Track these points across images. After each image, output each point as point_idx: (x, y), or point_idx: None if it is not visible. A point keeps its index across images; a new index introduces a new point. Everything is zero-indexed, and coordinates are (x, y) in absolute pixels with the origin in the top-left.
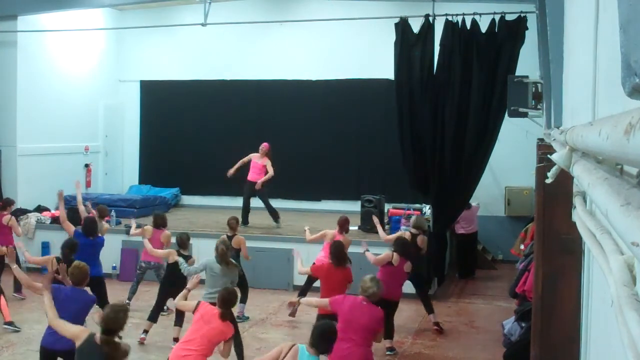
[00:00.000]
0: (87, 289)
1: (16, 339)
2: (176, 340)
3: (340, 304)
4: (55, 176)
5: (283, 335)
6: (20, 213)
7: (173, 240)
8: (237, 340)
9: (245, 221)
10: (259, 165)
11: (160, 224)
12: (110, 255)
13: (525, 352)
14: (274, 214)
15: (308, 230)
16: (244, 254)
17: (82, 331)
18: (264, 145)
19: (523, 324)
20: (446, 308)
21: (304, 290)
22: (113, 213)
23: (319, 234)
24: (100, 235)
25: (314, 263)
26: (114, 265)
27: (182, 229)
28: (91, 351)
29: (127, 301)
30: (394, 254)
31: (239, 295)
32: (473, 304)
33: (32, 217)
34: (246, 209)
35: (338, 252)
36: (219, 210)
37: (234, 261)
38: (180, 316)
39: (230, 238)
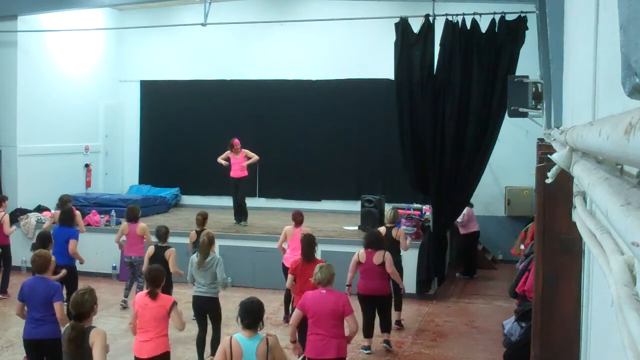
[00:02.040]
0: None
1: (16, 338)
2: None
3: (305, 302)
4: (55, 176)
5: (283, 335)
6: (20, 213)
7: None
8: (215, 336)
9: (239, 219)
10: (240, 160)
11: (131, 217)
12: (110, 255)
13: (525, 352)
14: (240, 214)
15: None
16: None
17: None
18: (236, 142)
19: (523, 324)
20: (446, 308)
21: (287, 297)
22: (113, 213)
23: (282, 235)
24: (73, 227)
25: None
26: (114, 265)
27: (182, 229)
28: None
29: (124, 298)
30: (358, 252)
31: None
32: (473, 304)
33: (32, 217)
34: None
35: (306, 247)
36: (219, 210)
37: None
38: None
39: (198, 233)
